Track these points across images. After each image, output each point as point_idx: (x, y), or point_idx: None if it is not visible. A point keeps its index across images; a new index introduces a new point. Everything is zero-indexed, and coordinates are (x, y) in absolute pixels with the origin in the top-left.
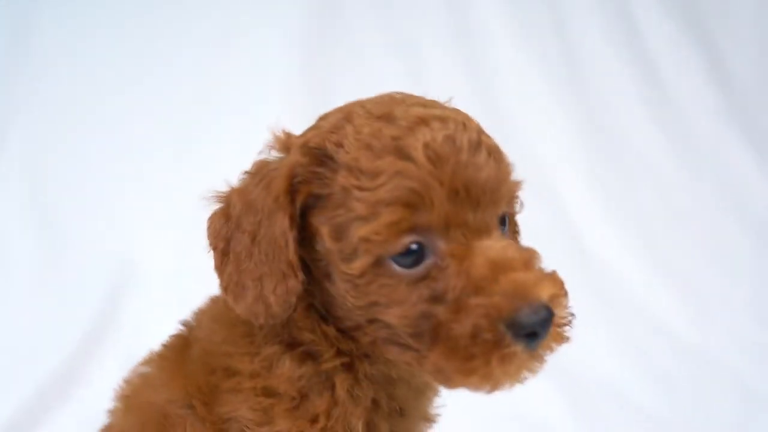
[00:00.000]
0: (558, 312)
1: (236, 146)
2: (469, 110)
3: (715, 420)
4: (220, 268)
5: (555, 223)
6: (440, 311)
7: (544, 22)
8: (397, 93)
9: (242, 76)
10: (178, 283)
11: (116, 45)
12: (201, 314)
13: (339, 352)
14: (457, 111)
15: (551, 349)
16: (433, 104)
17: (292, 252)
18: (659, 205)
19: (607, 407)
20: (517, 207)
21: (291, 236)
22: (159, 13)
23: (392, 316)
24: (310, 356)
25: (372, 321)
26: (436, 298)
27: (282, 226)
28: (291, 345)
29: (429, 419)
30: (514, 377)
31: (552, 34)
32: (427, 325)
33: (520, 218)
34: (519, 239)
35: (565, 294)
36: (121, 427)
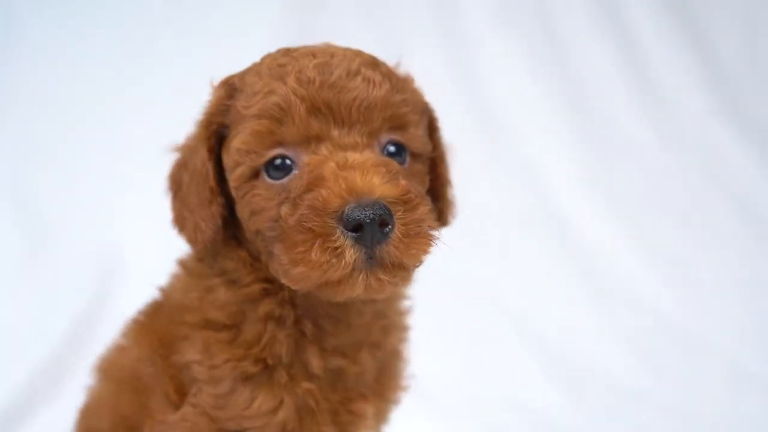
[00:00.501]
0: (404, 217)
1: None
2: (456, 99)
3: (704, 399)
4: (173, 207)
5: (543, 209)
6: (283, 209)
7: (530, 14)
8: (328, 44)
9: (223, 68)
10: (166, 272)
11: (102, 42)
12: (171, 276)
13: (258, 279)
14: (355, 51)
15: (403, 262)
16: (342, 47)
17: (211, 179)
18: (646, 189)
19: (598, 389)
20: (415, 142)
21: (210, 165)
22: (146, 13)
23: (261, 222)
24: (235, 283)
25: (256, 233)
26: (285, 200)
27: (202, 156)
28: (221, 274)
29: (390, 380)
30: (348, 276)
31: (539, 26)
32: (278, 226)
33: (511, 204)
34: (422, 188)
35: (415, 202)
36: (99, 395)
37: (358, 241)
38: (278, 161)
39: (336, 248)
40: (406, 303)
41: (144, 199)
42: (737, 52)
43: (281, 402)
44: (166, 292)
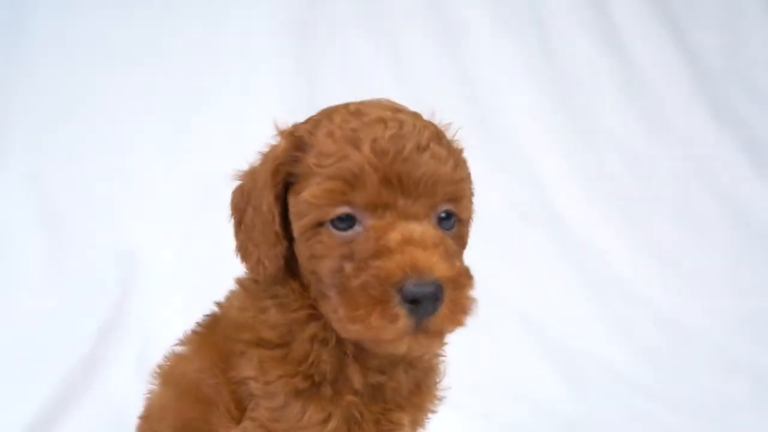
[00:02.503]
0: (453, 294)
1: (232, 139)
2: (451, 96)
3: (697, 388)
4: (235, 234)
5: (536, 204)
6: (348, 266)
7: (523, 14)
8: (385, 99)
9: (234, 71)
10: (185, 274)
11: (113, 43)
12: (229, 292)
13: (305, 305)
14: (422, 121)
15: (442, 330)
16: (403, 110)
17: (277, 224)
18: (635, 182)
19: (595, 378)
20: (465, 211)
21: (276, 211)
22: (151, 9)
23: (322, 266)
24: (285, 306)
25: (311, 273)
26: (350, 257)
27: (269, 203)
28: (273, 297)
29: (427, 392)
30: (398, 339)
31: (527, 20)
32: (339, 278)
33: (506, 201)
34: (464, 243)
35: (467, 283)
36: (161, 401)
37: (411, 311)
38: (344, 217)
39: (392, 315)
40: None
41: (163, 203)
42: (718, 49)
43: (330, 414)
44: (224, 307)
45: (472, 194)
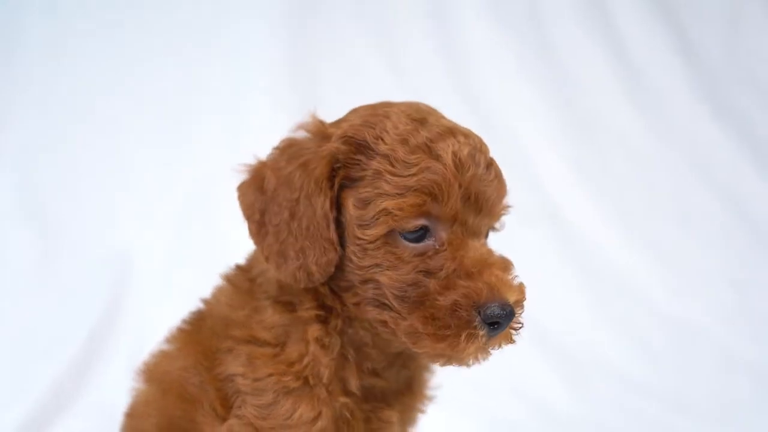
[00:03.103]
0: (516, 316)
1: (226, 139)
2: (448, 94)
3: (697, 385)
4: (257, 237)
5: (536, 202)
6: (431, 283)
7: (518, 6)
8: (423, 104)
9: (228, 70)
10: (177, 275)
11: (106, 43)
12: (215, 289)
13: (318, 306)
14: (476, 134)
15: (500, 346)
16: (457, 124)
17: (332, 231)
18: (635, 180)
19: (596, 377)
20: (500, 226)
21: (332, 217)
22: (144, 10)
23: (387, 277)
24: (290, 306)
25: (366, 281)
26: (429, 272)
27: (324, 208)
28: (277, 297)
29: (417, 391)
30: (472, 356)
31: (526, 18)
32: (413, 291)
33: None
34: None
35: (522, 306)
36: (145, 398)
37: (488, 332)
38: (421, 229)
39: (475, 335)
40: None
41: (155, 203)
42: (718, 45)
43: (320, 413)
44: (210, 303)
45: None
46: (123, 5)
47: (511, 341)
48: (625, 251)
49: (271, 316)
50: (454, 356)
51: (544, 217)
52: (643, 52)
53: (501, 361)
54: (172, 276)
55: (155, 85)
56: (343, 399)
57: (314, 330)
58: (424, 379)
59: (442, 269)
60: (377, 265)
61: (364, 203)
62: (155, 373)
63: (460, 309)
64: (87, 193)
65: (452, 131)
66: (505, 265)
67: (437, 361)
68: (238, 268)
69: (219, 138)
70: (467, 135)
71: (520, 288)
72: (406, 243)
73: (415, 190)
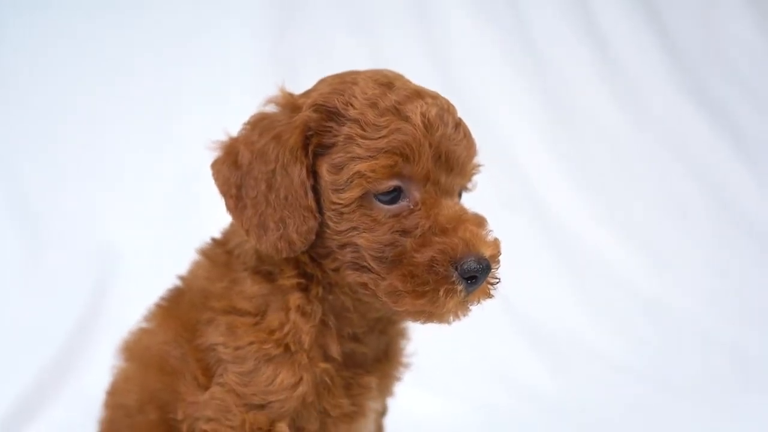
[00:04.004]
0: (493, 270)
1: (210, 135)
2: (432, 86)
3: (679, 368)
4: (236, 212)
5: (519, 191)
6: (407, 242)
7: (503, 4)
8: (388, 70)
9: (211, 67)
10: (162, 267)
11: (90, 38)
12: (192, 264)
13: (299, 274)
14: (446, 101)
15: (478, 301)
16: (421, 87)
17: (310, 198)
18: (617, 167)
19: (577, 360)
20: (471, 186)
21: (309, 185)
22: (128, 8)
23: (364, 239)
24: (269, 275)
25: (344, 246)
26: (405, 232)
27: (301, 176)
28: (256, 267)
29: (393, 359)
30: (452, 312)
31: (507, 9)
32: (391, 251)
33: (485, 184)
34: None
35: (498, 261)
36: (125, 375)
37: (466, 287)
38: (395, 190)
39: (454, 290)
40: None
41: (139, 197)
42: (696, 33)
43: (301, 378)
44: (187, 279)
45: None
46: (105, 4)
47: (489, 296)
48: (607, 237)
49: (251, 286)
50: (434, 312)
51: (527, 204)
52: (623, 41)
53: (486, 346)
54: (157, 269)
55: (139, 81)
56: (323, 365)
57: (295, 298)
58: (400, 346)
59: (417, 228)
60: (354, 228)
61: (338, 168)
62: (135, 350)
63: (438, 264)
64: (72, 187)
65: (419, 93)
66: (479, 221)
67: (418, 319)
68: (214, 241)
69: (202, 134)
70: (435, 97)
71: (495, 243)
72: (381, 205)
73: (386, 151)
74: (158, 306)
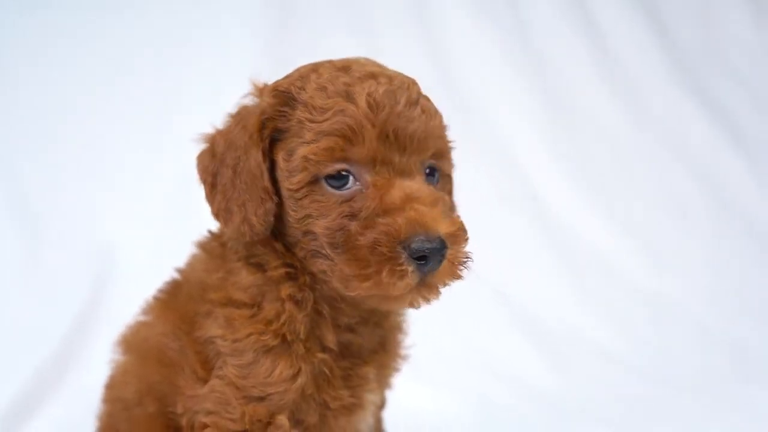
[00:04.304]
0: (453, 249)
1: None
2: (429, 83)
3: (676, 362)
4: (210, 197)
5: (517, 188)
6: (353, 225)
7: (502, 1)
8: (364, 58)
9: (210, 64)
10: (160, 267)
11: (89, 38)
12: (189, 257)
13: (284, 264)
14: (407, 77)
15: (444, 283)
16: (388, 68)
17: (266, 179)
18: (614, 163)
19: (577, 355)
20: (448, 165)
21: (264, 167)
22: (125, 7)
23: (319, 226)
24: (260, 266)
25: (306, 233)
26: (353, 215)
27: (257, 159)
28: (247, 258)
29: (391, 350)
30: (404, 294)
31: (505, 5)
32: (341, 237)
33: (485, 183)
34: (452, 198)
35: (464, 237)
36: (124, 367)
37: (418, 267)
38: (343, 173)
39: (401, 271)
40: None
41: (139, 197)
42: (694, 29)
43: (299, 370)
44: (185, 272)
45: (452, 149)
46: (103, 6)
47: (458, 277)
48: (604, 232)
49: (246, 277)
50: (387, 296)
51: (525, 200)
52: (623, 41)
53: (485, 342)
54: (157, 268)
55: (138, 81)
56: (321, 355)
57: (286, 288)
58: (397, 339)
59: (362, 210)
60: (309, 216)
61: (290, 154)
62: (133, 342)
63: (380, 246)
64: (71, 186)
65: (373, 75)
66: (433, 199)
67: (376, 304)
68: (210, 233)
69: (201, 129)
70: (391, 78)
71: (453, 221)
72: (331, 190)
73: (327, 134)
74: (156, 299)
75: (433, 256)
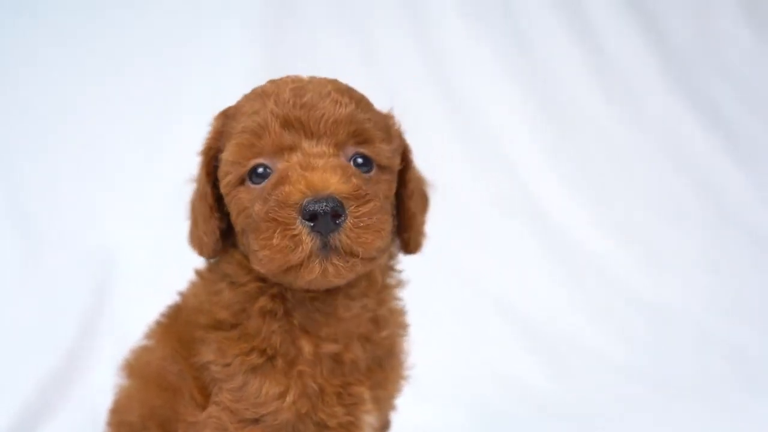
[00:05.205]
0: (356, 211)
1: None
2: (426, 89)
3: (675, 366)
4: (189, 227)
5: (517, 193)
6: (256, 206)
7: (495, 3)
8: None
9: (206, 69)
10: (160, 273)
11: (85, 42)
12: (189, 282)
13: (253, 278)
14: (330, 79)
15: (353, 250)
16: (319, 77)
17: (210, 197)
18: (611, 167)
19: (575, 361)
20: (381, 156)
21: (208, 187)
22: (124, 11)
23: (243, 219)
24: (236, 284)
25: (242, 232)
26: (258, 199)
27: (202, 179)
28: (225, 278)
29: (391, 371)
30: (308, 261)
31: (500, 8)
32: (252, 221)
33: (481, 187)
34: (387, 197)
35: (366, 199)
36: (127, 392)
37: (313, 229)
38: (260, 170)
39: (295, 235)
40: (399, 303)
41: (138, 201)
42: (688, 30)
43: (286, 388)
44: (185, 296)
45: (394, 144)
46: (102, 7)
47: (369, 243)
48: (604, 238)
49: (228, 295)
50: (289, 264)
51: (522, 205)
52: (615, 39)
53: (481, 348)
54: (156, 274)
55: (136, 85)
56: (301, 368)
57: (260, 301)
58: (397, 358)
59: (265, 189)
60: (238, 213)
61: (222, 162)
62: (136, 366)
63: (272, 212)
64: (69, 191)
65: (293, 80)
66: (331, 166)
67: (291, 280)
68: (206, 260)
69: (199, 136)
70: (311, 80)
71: (347, 181)
72: (252, 185)
73: (239, 132)
74: (158, 323)
75: (325, 216)
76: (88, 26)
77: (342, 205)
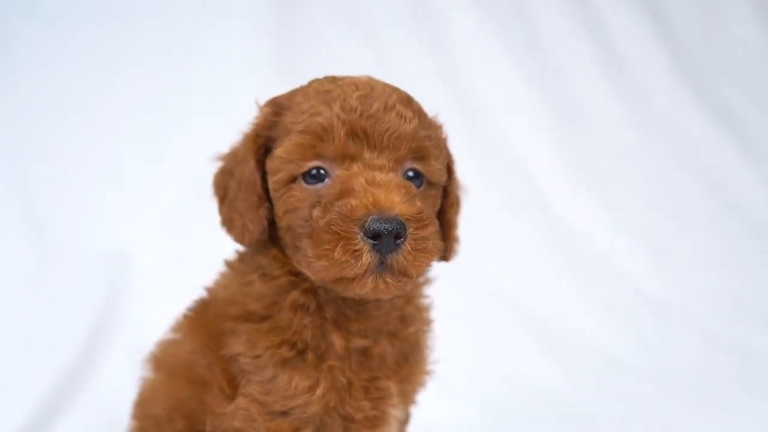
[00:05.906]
0: (415, 233)
1: (216, 137)
2: (436, 87)
3: (683, 366)
4: (219, 209)
5: (524, 191)
6: (315, 212)
7: (507, 2)
8: (367, 75)
9: (215, 72)
10: (173, 273)
11: (93, 44)
12: (218, 275)
13: (286, 272)
14: (393, 88)
15: (407, 271)
16: (380, 82)
17: (258, 186)
18: (620, 167)
19: (585, 360)
20: (434, 173)
21: (257, 175)
22: (132, 13)
23: (293, 219)
24: (268, 276)
25: (287, 230)
26: (317, 204)
27: (251, 167)
28: (257, 269)
29: (416, 365)
30: (363, 276)
31: (512, 8)
32: (308, 224)
33: (491, 187)
34: (452, 213)
35: (426, 222)
36: (153, 385)
37: (374, 247)
38: (314, 171)
39: (356, 251)
40: (426, 300)
41: (149, 203)
42: (699, 32)
43: (316, 381)
44: (213, 289)
45: (443, 159)
46: (109, 6)
47: (423, 263)
48: (610, 237)
49: (258, 287)
50: (344, 276)
51: (532, 204)
52: (625, 40)
53: (492, 347)
54: (168, 274)
55: (145, 84)
56: (332, 362)
57: (293, 295)
58: (422, 353)
59: (324, 197)
60: (287, 211)
61: (272, 155)
62: (162, 359)
63: (334, 225)
64: (81, 193)
65: (356, 84)
66: (395, 185)
67: (342, 290)
68: (236, 251)
69: (209, 136)
70: (373, 87)
71: (413, 204)
72: (306, 186)
73: (300, 132)
74: (185, 317)
75: (389, 236)
76: (97, 28)
77: (404, 227)
